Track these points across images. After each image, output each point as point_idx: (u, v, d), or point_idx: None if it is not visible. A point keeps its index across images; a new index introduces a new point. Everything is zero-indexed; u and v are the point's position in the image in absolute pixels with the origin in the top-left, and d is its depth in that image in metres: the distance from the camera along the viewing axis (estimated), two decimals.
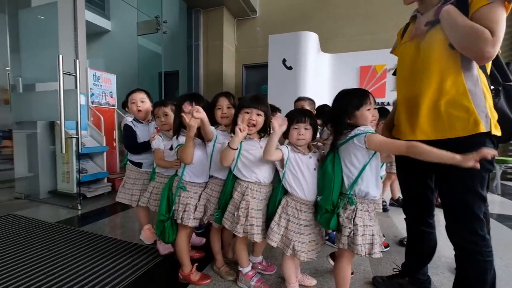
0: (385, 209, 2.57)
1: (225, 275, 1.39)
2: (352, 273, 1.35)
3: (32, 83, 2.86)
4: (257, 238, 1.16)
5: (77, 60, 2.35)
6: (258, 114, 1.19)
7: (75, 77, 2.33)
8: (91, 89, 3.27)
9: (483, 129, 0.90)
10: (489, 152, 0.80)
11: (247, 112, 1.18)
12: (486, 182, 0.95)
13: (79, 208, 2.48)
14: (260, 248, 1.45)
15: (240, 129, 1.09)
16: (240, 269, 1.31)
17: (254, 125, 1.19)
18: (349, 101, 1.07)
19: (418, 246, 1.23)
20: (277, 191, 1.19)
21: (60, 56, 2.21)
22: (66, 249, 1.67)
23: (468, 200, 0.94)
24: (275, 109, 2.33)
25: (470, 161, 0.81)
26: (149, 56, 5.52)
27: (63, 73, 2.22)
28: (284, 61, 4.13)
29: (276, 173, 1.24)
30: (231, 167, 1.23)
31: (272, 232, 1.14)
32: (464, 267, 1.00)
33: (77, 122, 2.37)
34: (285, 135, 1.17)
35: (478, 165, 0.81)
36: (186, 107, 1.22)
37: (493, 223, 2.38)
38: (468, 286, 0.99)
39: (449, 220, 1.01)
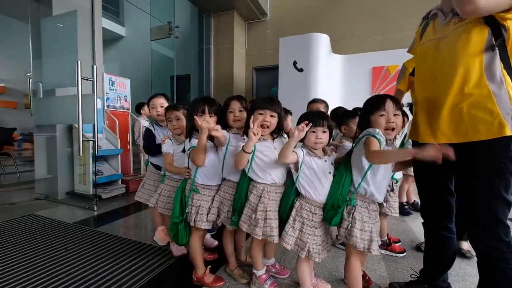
0: (407, 213, 2.49)
1: (238, 278, 1.38)
2: (370, 283, 1.32)
3: (52, 89, 2.98)
4: (276, 240, 1.16)
5: (95, 66, 2.44)
6: (271, 116, 1.20)
7: (93, 82, 2.42)
8: (106, 93, 3.38)
9: (508, 132, 0.87)
10: (450, 149, 0.83)
11: (261, 114, 1.18)
12: (510, 185, 0.91)
13: (95, 209, 2.55)
14: (272, 250, 1.45)
15: (254, 133, 1.09)
16: (254, 271, 1.31)
17: (267, 127, 1.19)
18: (366, 106, 1.13)
19: (437, 251, 1.19)
20: (290, 192, 1.19)
21: (79, 62, 2.29)
22: (83, 249, 1.72)
23: (492, 205, 0.91)
24: (286, 112, 2.33)
25: (426, 152, 0.85)
26: (162, 60, 5.65)
27: (81, 78, 2.31)
28: (294, 63, 4.13)
29: (289, 174, 1.24)
30: (246, 169, 1.23)
31: (287, 235, 1.14)
32: (488, 275, 0.96)
33: (94, 126, 2.44)
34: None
35: (439, 159, 0.83)
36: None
37: None
38: None
39: (471, 225, 0.97)
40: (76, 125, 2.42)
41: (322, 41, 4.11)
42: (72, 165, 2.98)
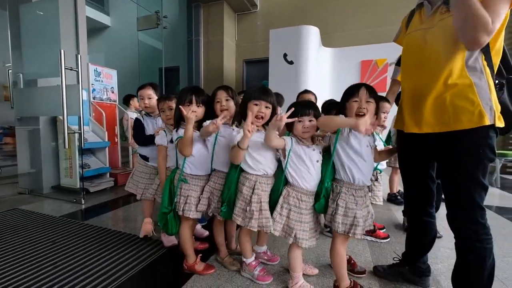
0: (401, 202, 2.55)
1: (229, 265, 1.41)
2: (364, 272, 1.38)
3: (33, 79, 2.86)
4: (272, 230, 1.16)
5: (79, 55, 2.36)
6: (266, 107, 1.21)
7: (77, 72, 2.34)
8: (92, 84, 3.28)
9: (487, 121, 0.91)
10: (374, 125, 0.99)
11: (256, 105, 1.19)
12: (487, 171, 0.97)
13: (83, 202, 2.51)
14: (265, 238, 1.49)
15: (248, 131, 1.08)
16: (244, 259, 1.34)
17: (262, 118, 1.20)
18: (344, 94, 1.17)
19: (419, 235, 1.25)
20: (280, 181, 1.21)
21: (62, 51, 2.21)
22: (71, 241, 1.70)
23: (471, 189, 0.96)
24: (277, 95, 2.33)
25: (362, 125, 0.96)
26: (150, 51, 5.51)
27: (65, 68, 2.23)
28: (285, 55, 4.13)
29: (279, 165, 1.25)
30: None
31: (274, 222, 1.16)
32: (465, 255, 1.01)
33: (79, 117, 2.38)
34: (289, 127, 1.18)
35: (370, 130, 0.95)
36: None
37: (492, 215, 2.41)
38: (468, 272, 1.01)
39: (450, 208, 1.02)
40: (61, 117, 2.35)
41: (312, 34, 4.12)
42: (57, 159, 2.90)
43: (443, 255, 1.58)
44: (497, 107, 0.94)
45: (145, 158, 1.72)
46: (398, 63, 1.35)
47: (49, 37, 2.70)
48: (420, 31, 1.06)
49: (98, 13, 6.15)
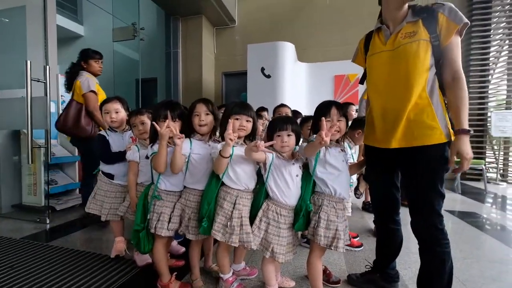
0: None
1: None
2: (339, 282, 1.41)
3: None
4: (254, 246, 1.15)
5: (47, 66, 2.26)
6: (247, 121, 1.22)
7: (45, 83, 2.23)
8: (62, 96, 3.13)
9: (445, 139, 1.03)
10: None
11: (237, 119, 1.19)
12: (444, 181, 1.07)
13: (47, 222, 2.33)
14: (242, 255, 1.46)
15: (230, 139, 1.08)
16: (221, 275, 1.31)
17: (244, 130, 1.21)
18: (315, 112, 1.23)
19: (386, 242, 1.32)
20: (260, 195, 1.21)
21: (28, 62, 2.11)
22: (32, 265, 1.57)
23: (431, 198, 1.05)
24: (263, 109, 2.39)
25: (320, 141, 1.00)
26: (126, 62, 5.38)
27: (31, 80, 2.12)
28: (262, 69, 4.25)
29: (259, 177, 1.26)
30: (220, 175, 1.22)
31: (252, 235, 1.16)
32: (426, 258, 1.10)
33: (46, 131, 2.25)
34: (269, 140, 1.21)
35: (327, 141, 1.00)
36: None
37: (454, 219, 2.59)
38: (429, 275, 1.09)
39: (413, 215, 1.11)
40: (25, 131, 2.20)
41: (288, 49, 4.30)
42: (19, 175, 2.68)
43: (411, 261, 1.67)
44: (449, 124, 1.05)
45: (110, 176, 1.65)
46: (362, 81, 1.41)
47: (15, 47, 2.57)
48: (384, 53, 1.14)
49: (71, 22, 5.94)
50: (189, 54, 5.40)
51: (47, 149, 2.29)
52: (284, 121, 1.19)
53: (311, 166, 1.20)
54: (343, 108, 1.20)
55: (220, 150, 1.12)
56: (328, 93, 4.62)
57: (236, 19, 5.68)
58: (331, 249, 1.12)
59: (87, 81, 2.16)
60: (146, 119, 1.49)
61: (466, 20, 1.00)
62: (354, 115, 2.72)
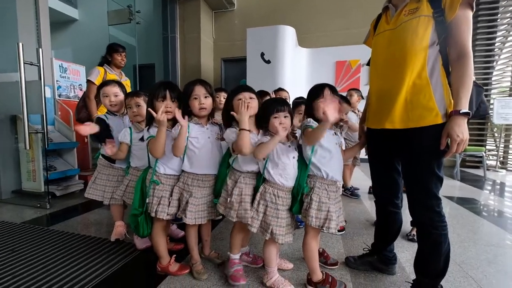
0: (357, 195, 2.71)
1: (196, 274, 1.31)
2: (336, 264, 1.43)
3: None
4: (249, 221, 1.16)
5: (40, 49, 2.19)
6: (251, 97, 1.20)
7: (38, 67, 2.18)
8: (57, 81, 3.07)
9: (441, 120, 0.99)
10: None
11: (240, 99, 1.18)
12: (442, 164, 1.05)
13: (48, 207, 2.35)
14: (246, 239, 1.46)
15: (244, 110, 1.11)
16: (229, 253, 1.32)
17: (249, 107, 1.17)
18: (309, 94, 1.21)
19: (386, 225, 1.33)
20: (259, 178, 1.22)
21: (20, 44, 2.04)
22: (33, 249, 1.58)
23: (428, 181, 1.03)
24: (266, 93, 2.33)
25: (331, 118, 0.97)
26: None
27: (24, 63, 2.06)
28: (262, 54, 4.15)
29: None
30: (230, 160, 1.23)
31: (252, 218, 1.17)
32: (422, 241, 1.10)
33: (42, 116, 2.22)
34: (263, 124, 1.19)
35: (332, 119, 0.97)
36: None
37: (452, 204, 2.61)
38: (426, 257, 1.09)
39: (410, 199, 1.10)
40: (21, 116, 2.17)
41: (289, 33, 4.18)
42: (18, 161, 2.67)
43: (409, 244, 1.68)
44: (450, 105, 1.00)
45: (111, 160, 1.64)
46: (369, 63, 1.40)
47: (6, 30, 2.49)
48: (386, 32, 1.12)
49: (65, 5, 5.75)
50: (187, 39, 5.27)
51: (44, 135, 2.26)
52: (280, 102, 1.18)
53: (305, 151, 1.19)
54: (336, 90, 1.18)
55: (241, 126, 1.11)
56: (329, 79, 4.54)
57: (235, 2, 5.50)
58: (323, 230, 1.14)
59: (92, 72, 2.34)
60: (142, 101, 1.45)
61: None
62: (358, 101, 2.66)
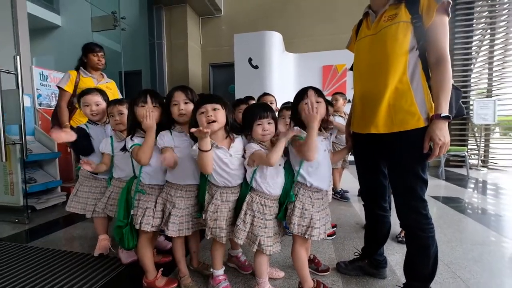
0: (346, 198, 2.74)
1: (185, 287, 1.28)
2: (328, 270, 1.42)
3: None
4: (223, 240, 1.15)
5: (17, 57, 2.10)
6: (214, 109, 1.09)
7: (16, 75, 2.08)
8: (38, 89, 2.96)
9: (423, 123, 1.00)
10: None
11: (202, 112, 1.09)
12: (426, 167, 1.06)
13: (27, 222, 2.23)
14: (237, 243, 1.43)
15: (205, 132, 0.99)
16: (212, 270, 1.28)
17: (214, 121, 1.10)
18: (294, 98, 1.20)
19: (374, 229, 1.33)
20: (245, 187, 1.18)
21: None
22: (11, 268, 1.49)
23: (413, 184, 1.04)
24: (250, 98, 2.28)
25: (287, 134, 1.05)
26: (107, 54, 5.12)
27: (0, 71, 1.97)
28: (250, 60, 4.17)
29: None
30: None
31: (238, 230, 1.13)
32: (410, 244, 1.11)
33: (20, 126, 2.11)
34: (246, 131, 1.17)
35: (290, 135, 1.05)
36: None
37: (438, 204, 2.67)
38: (414, 260, 1.10)
39: (397, 202, 1.11)
40: None
41: (276, 39, 4.23)
42: None
43: (399, 246, 1.70)
44: (431, 108, 1.02)
45: (94, 172, 1.58)
46: (352, 68, 1.42)
47: None
48: (367, 38, 1.14)
49: (47, 11, 5.58)
50: (174, 45, 5.23)
51: (22, 146, 2.16)
52: (264, 108, 1.15)
53: (293, 161, 1.18)
54: (321, 92, 1.18)
55: (199, 146, 1.04)
56: (316, 84, 4.59)
57: (222, 8, 5.52)
58: (306, 237, 1.12)
59: (63, 77, 2.17)
60: (125, 109, 1.41)
61: None
62: (344, 105, 2.70)
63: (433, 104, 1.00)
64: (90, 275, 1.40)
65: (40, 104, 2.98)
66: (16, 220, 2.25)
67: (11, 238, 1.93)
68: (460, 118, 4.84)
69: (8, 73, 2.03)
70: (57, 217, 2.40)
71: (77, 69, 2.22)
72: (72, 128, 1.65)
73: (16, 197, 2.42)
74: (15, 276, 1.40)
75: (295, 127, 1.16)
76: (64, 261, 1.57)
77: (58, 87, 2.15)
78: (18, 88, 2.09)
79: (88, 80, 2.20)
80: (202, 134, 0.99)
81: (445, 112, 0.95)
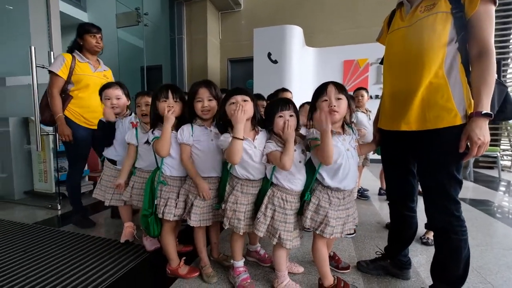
0: (366, 196, 2.68)
1: (206, 277, 1.30)
2: (348, 268, 1.40)
3: (1, 77, 2.68)
4: (241, 231, 1.17)
5: (52, 52, 2.23)
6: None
7: None
8: None
9: (460, 121, 0.94)
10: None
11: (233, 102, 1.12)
12: (461, 167, 1.01)
13: (59, 208, 2.38)
14: (256, 237, 1.45)
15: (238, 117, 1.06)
16: (232, 261, 1.30)
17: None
18: (313, 94, 1.15)
19: (400, 229, 1.28)
20: (266, 181, 1.18)
21: (33, 48, 2.08)
22: (45, 250, 1.60)
23: (445, 183, 0.99)
24: (260, 97, 2.28)
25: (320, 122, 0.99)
26: (130, 49, 5.32)
27: (36, 66, 2.10)
28: (269, 54, 4.13)
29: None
30: (228, 166, 1.20)
31: (258, 222, 1.14)
32: (441, 246, 1.06)
33: None
34: (268, 125, 1.16)
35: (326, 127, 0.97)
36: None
37: (466, 207, 2.53)
38: (444, 263, 1.05)
39: (428, 203, 1.06)
40: (33, 118, 2.21)
41: (296, 33, 4.15)
42: (30, 162, 2.73)
43: (423, 248, 1.63)
44: (471, 105, 0.95)
45: (113, 162, 1.66)
46: (382, 62, 1.36)
47: (19, 33, 2.54)
48: (401, 30, 1.08)
49: (74, 9, 5.85)
50: (194, 40, 5.29)
51: (55, 137, 2.30)
52: (285, 101, 1.15)
53: (313, 160, 1.15)
54: (343, 87, 1.12)
55: (233, 134, 1.06)
56: (337, 79, 4.45)
57: (242, 2, 5.49)
58: (317, 232, 1.12)
59: (56, 60, 1.87)
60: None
61: None
62: (366, 100, 2.60)
63: (472, 101, 0.94)
64: (118, 260, 1.48)
65: None
66: (50, 206, 2.41)
67: (45, 222, 2.08)
68: (504, 120, 4.53)
69: (43, 68, 2.16)
70: (85, 204, 2.53)
71: (70, 51, 1.93)
72: (99, 123, 1.72)
73: (49, 184, 2.60)
74: (49, 258, 1.51)
75: (312, 129, 1.14)
76: (93, 245, 1.66)
77: (50, 72, 1.83)
78: None
79: (85, 66, 1.93)
80: (238, 119, 1.04)
81: (486, 109, 0.89)
